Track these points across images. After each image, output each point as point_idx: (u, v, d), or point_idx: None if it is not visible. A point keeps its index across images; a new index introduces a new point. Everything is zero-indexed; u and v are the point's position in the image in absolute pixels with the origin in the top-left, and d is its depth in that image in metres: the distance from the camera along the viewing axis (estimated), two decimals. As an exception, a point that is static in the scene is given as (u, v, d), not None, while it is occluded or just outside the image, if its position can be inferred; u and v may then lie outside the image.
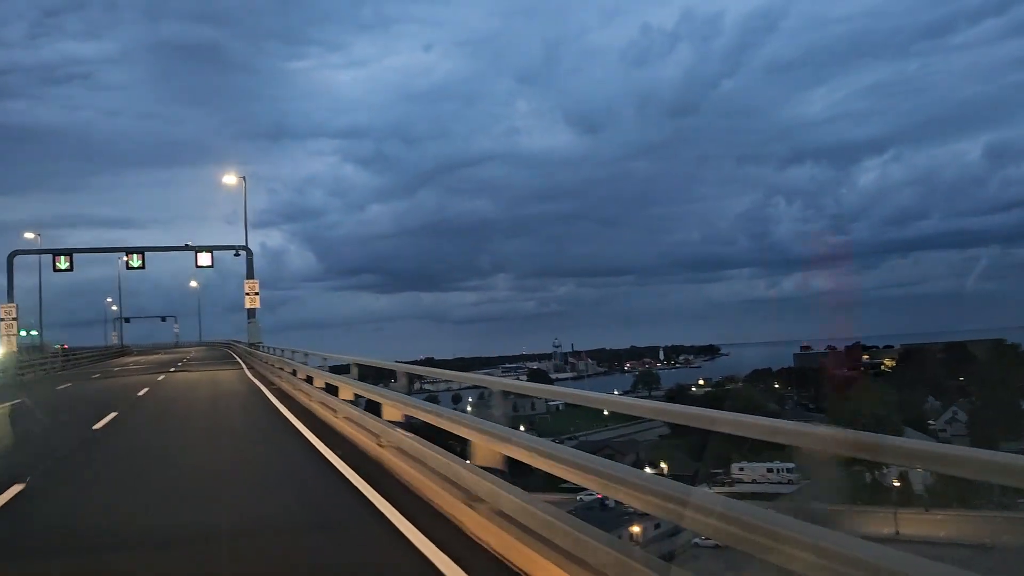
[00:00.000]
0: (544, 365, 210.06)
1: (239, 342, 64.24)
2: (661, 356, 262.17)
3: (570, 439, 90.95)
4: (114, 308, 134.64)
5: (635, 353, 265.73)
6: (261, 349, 36.86)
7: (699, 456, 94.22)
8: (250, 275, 42.93)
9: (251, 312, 42.38)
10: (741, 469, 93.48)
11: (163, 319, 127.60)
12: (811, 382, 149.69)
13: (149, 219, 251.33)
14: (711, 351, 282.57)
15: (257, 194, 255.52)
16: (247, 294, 42.08)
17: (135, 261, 40.98)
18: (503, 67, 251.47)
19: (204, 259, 42.00)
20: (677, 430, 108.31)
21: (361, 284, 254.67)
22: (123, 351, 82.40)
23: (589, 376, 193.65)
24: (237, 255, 42.87)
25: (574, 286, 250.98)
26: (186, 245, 41.98)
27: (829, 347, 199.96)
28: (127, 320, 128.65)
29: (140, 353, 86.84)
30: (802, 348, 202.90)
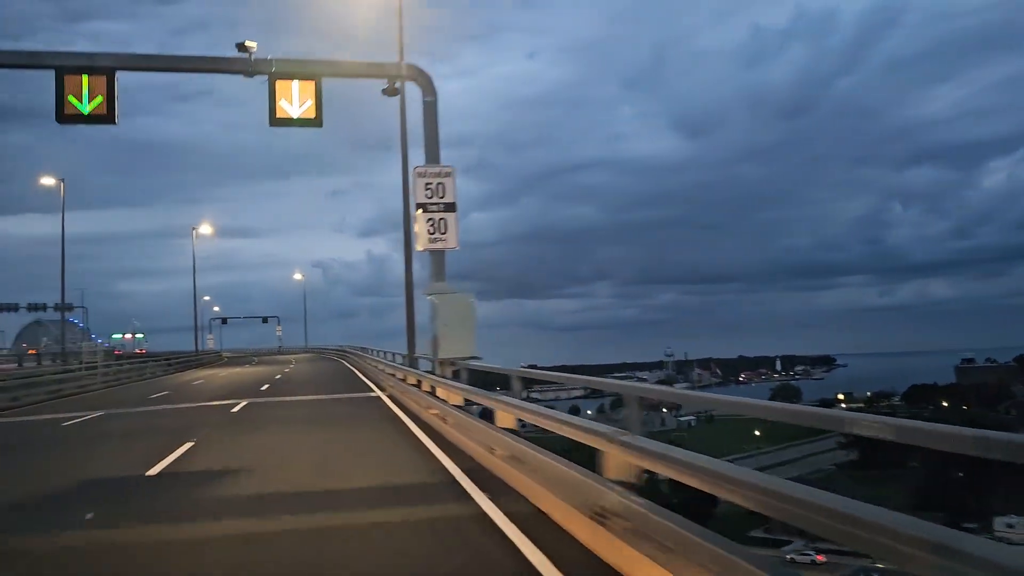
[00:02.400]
0: (654, 375, 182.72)
1: (366, 351, 35.21)
2: (778, 366, 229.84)
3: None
4: (215, 308, 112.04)
5: (747, 363, 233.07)
6: (463, 373, 6.17)
7: (922, 499, 61.61)
8: (430, 145, 12.88)
9: (434, 266, 11.93)
10: (1010, 526, 58.69)
11: (264, 320, 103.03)
12: (1000, 400, 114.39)
13: (265, 228, 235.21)
14: (827, 361, 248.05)
15: (366, 203, 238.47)
16: (422, 206, 12.09)
17: (86, 103, 11.32)
18: (608, 72, 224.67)
19: (292, 105, 11.73)
20: (867, 456, 78.29)
21: (463, 291, 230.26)
22: (199, 360, 54.09)
23: (704, 387, 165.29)
24: (393, 90, 12.70)
25: (677, 293, 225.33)
26: (240, 45, 11.93)
27: (989, 359, 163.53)
28: (224, 321, 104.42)
29: (227, 362, 58.63)
30: (964, 361, 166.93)
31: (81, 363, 44.29)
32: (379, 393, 20.07)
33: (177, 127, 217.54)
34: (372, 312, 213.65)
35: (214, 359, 69.33)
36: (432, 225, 12.52)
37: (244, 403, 18.73)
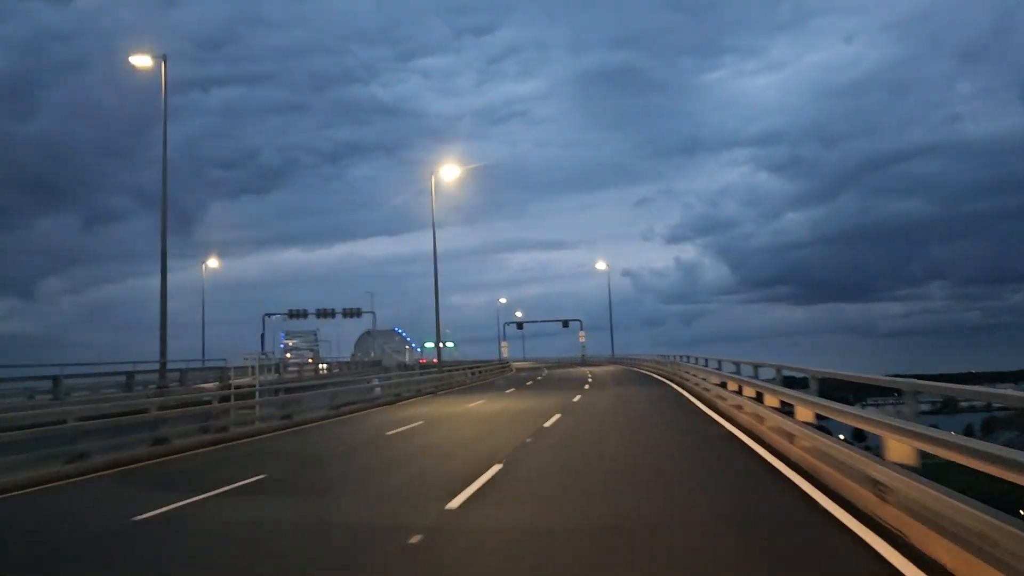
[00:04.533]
0: (1021, 387, 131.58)
1: (735, 370, 9.23)
2: None
3: None
4: (517, 314, 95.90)
5: None
6: None
7: None
8: None
9: None
10: None
11: (565, 324, 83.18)
12: None
13: (575, 240, 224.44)
14: None
15: (671, 210, 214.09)
16: None
17: None
18: (941, 47, 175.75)
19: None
20: None
21: (776, 296, 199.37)
22: (448, 375, 33.51)
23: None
24: None
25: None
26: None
27: None
28: (520, 327, 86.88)
29: (513, 381, 37.76)
30: None
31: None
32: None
33: (494, 148, 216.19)
34: (680, 319, 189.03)
35: (494, 370, 49.87)
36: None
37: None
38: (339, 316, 76.23)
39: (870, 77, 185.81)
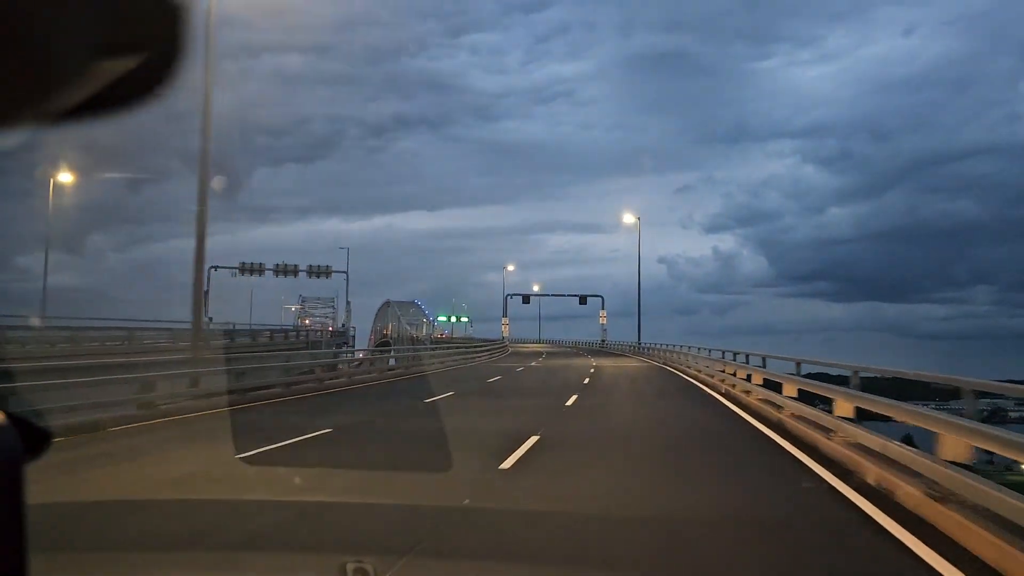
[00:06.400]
0: None
1: None
2: None
3: None
4: (535, 288, 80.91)
5: None
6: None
7: None
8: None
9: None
10: None
11: (583, 300, 65.49)
12: None
13: (614, 224, 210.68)
14: None
15: (712, 198, 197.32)
16: None
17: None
18: (1004, 44, 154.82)
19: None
20: None
21: (814, 291, 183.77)
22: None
23: None
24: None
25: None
26: None
27: None
28: (526, 300, 70.38)
29: (427, 385, 18.54)
30: None
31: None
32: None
33: (538, 129, 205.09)
34: (713, 309, 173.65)
35: (462, 355, 33.19)
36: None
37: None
38: (303, 274, 59.76)
39: (928, 72, 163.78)
